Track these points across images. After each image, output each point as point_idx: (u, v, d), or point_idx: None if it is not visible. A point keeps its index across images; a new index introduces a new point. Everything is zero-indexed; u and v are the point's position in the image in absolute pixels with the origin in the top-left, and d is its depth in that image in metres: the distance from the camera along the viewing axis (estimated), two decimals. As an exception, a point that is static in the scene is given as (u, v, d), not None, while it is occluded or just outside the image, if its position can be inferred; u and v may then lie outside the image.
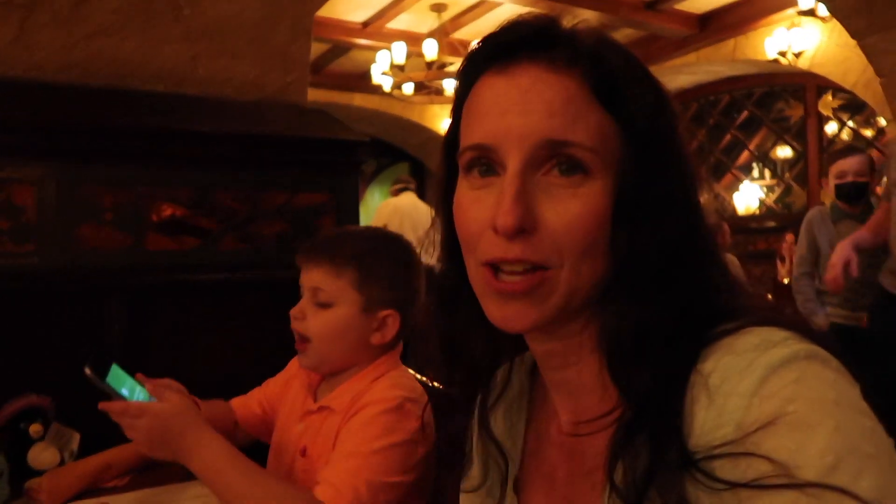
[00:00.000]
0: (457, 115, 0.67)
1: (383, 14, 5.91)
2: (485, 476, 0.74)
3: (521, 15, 0.63)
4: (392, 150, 9.10)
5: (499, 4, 5.58)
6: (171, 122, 1.60)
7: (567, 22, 0.62)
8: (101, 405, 1.03)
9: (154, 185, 1.56)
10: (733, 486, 0.49)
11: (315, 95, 1.77)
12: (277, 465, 1.22)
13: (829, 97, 6.26)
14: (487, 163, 0.61)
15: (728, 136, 7.07)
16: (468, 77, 0.64)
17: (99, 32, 1.63)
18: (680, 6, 5.92)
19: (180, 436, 1.01)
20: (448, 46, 5.80)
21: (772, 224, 6.67)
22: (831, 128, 6.31)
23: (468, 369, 0.72)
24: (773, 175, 6.85)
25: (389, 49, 5.80)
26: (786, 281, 4.72)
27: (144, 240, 1.55)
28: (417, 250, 1.21)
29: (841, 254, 2.42)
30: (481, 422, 0.73)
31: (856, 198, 2.84)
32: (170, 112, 1.64)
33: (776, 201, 6.83)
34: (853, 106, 6.01)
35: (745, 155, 6.99)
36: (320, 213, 1.73)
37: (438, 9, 5.86)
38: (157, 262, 1.57)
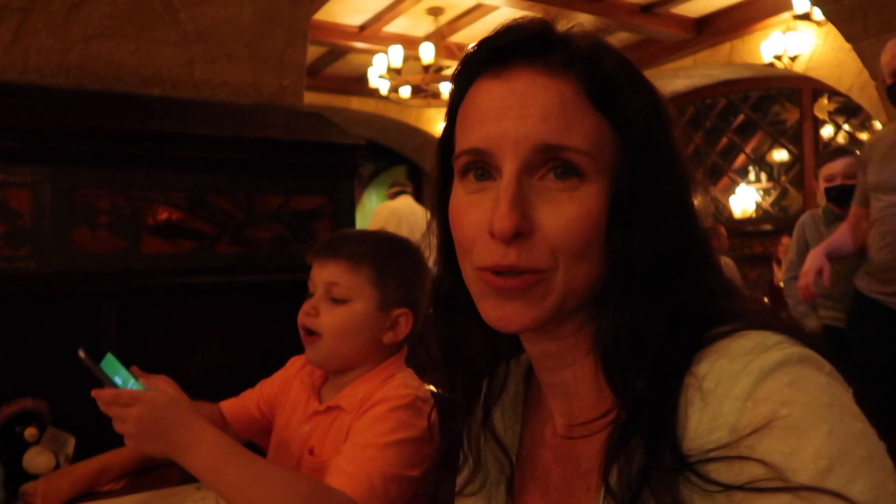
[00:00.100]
0: (451, 118, 0.67)
1: (380, 18, 5.92)
2: (484, 479, 0.74)
3: (515, 19, 0.63)
4: (389, 153, 9.10)
5: (495, 8, 5.60)
6: (167, 126, 1.60)
7: (562, 26, 0.63)
8: (94, 392, 0.98)
9: (150, 188, 1.56)
10: (727, 488, 0.49)
11: (312, 99, 1.78)
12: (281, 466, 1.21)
13: (825, 101, 6.28)
14: (483, 167, 0.61)
15: (724, 140, 7.10)
16: (463, 81, 0.64)
17: (95, 36, 1.63)
18: (676, 10, 5.95)
19: (174, 427, 0.94)
20: (445, 50, 5.81)
21: (768, 227, 6.69)
22: (827, 131, 6.33)
23: (468, 371, 0.72)
24: (770, 178, 6.87)
25: (386, 52, 5.81)
26: (782, 284, 4.73)
27: (140, 243, 1.55)
28: None
29: (813, 261, 2.42)
30: (484, 423, 0.73)
31: (845, 200, 2.81)
32: (166, 115, 1.64)
33: (772, 204, 6.85)
34: (849, 109, 6.04)
35: (741, 158, 7.01)
36: (316, 217, 1.73)
37: (435, 12, 5.87)
38: (152, 265, 1.57)
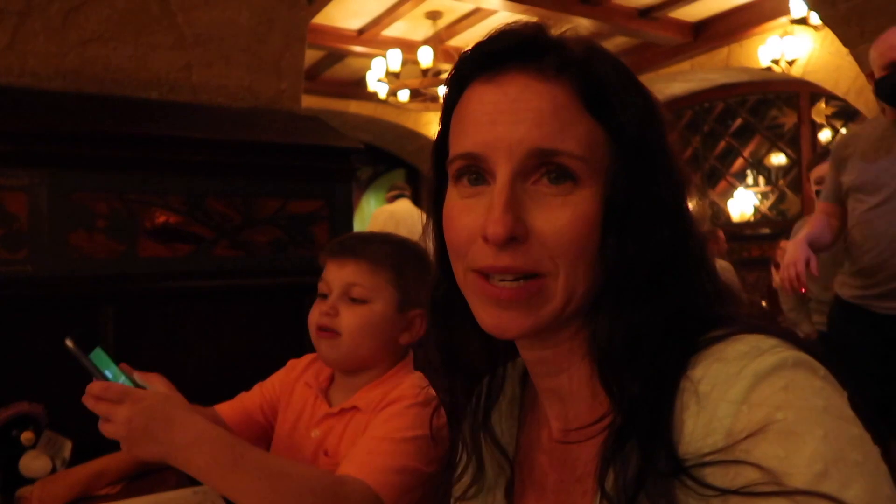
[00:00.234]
0: (446, 122, 0.67)
1: (378, 21, 5.93)
2: (482, 483, 0.73)
3: (509, 24, 0.63)
4: (387, 156, 9.10)
5: (493, 12, 5.61)
6: (165, 130, 1.60)
7: (557, 30, 0.63)
8: (88, 388, 0.91)
9: (147, 192, 1.56)
10: (723, 492, 0.49)
11: (310, 102, 1.78)
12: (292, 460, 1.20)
13: (823, 105, 6.30)
14: (477, 171, 0.61)
15: (722, 144, 7.10)
16: (457, 85, 0.65)
17: (92, 40, 1.63)
18: (674, 14, 5.96)
19: (169, 426, 0.86)
20: (443, 54, 5.82)
21: (766, 231, 6.69)
22: (825, 135, 6.34)
23: (465, 375, 0.72)
24: (768, 182, 6.88)
25: (385, 56, 5.82)
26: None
27: (137, 247, 1.55)
28: None
29: (798, 251, 2.24)
30: (484, 426, 0.73)
31: None
32: (163, 119, 1.65)
33: (770, 208, 6.86)
34: (846, 113, 6.05)
35: (739, 162, 7.02)
36: (314, 221, 1.73)
37: (433, 16, 5.88)
38: (150, 269, 1.57)
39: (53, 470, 1.30)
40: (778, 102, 6.66)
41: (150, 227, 1.56)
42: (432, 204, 0.69)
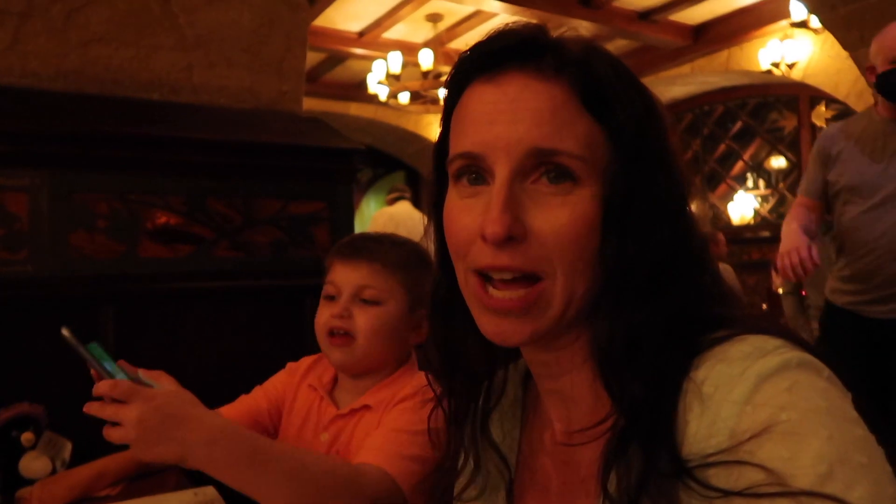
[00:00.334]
0: (446, 123, 0.67)
1: (379, 24, 5.94)
2: (483, 485, 0.73)
3: (508, 24, 0.63)
4: (387, 159, 9.10)
5: (494, 15, 5.61)
6: (166, 130, 1.60)
7: (556, 32, 0.63)
8: (98, 386, 0.84)
9: (148, 192, 1.56)
10: (727, 494, 0.49)
11: (311, 104, 1.78)
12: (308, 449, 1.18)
13: (823, 108, 6.30)
14: (476, 171, 0.61)
15: (722, 147, 7.11)
16: (457, 86, 0.65)
17: (93, 40, 1.63)
18: (674, 17, 5.96)
19: (184, 424, 0.80)
20: (443, 56, 5.82)
21: (766, 234, 6.69)
22: (825, 138, 6.34)
23: (465, 376, 0.72)
24: (768, 185, 6.88)
25: (385, 59, 5.82)
26: (780, 290, 4.73)
27: (138, 247, 1.55)
28: None
29: (800, 238, 2.11)
30: (482, 430, 0.73)
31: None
32: (164, 120, 1.65)
33: (770, 211, 6.86)
34: (846, 117, 6.04)
35: (739, 165, 7.03)
36: (315, 222, 1.73)
37: (434, 19, 5.89)
38: (150, 269, 1.56)
39: (53, 471, 1.30)
40: (778, 105, 6.67)
41: (151, 228, 1.56)
42: (433, 205, 0.69)
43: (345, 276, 1.13)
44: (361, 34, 6.18)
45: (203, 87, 1.75)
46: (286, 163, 1.71)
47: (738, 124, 6.97)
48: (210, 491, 1.19)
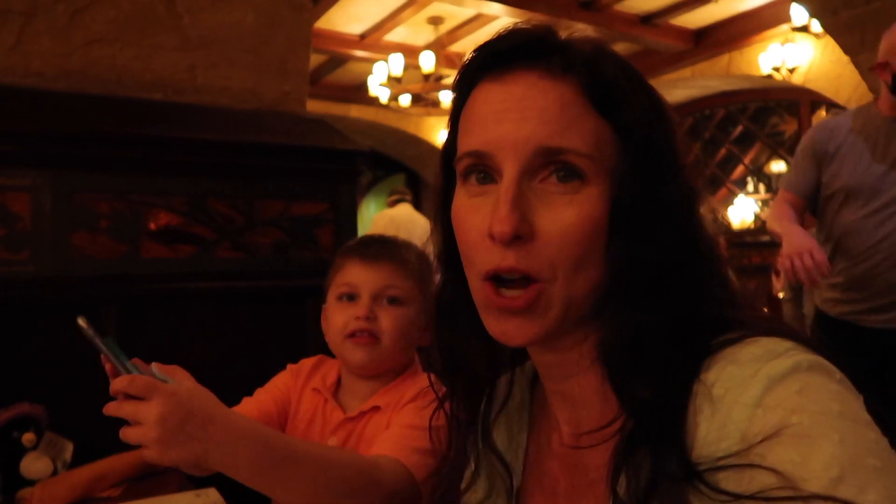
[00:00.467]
0: (454, 123, 0.67)
1: (381, 26, 5.95)
2: (490, 489, 0.73)
3: (516, 24, 0.63)
4: (388, 161, 9.11)
5: (495, 18, 5.62)
6: (168, 131, 1.60)
7: (565, 33, 0.63)
8: (111, 388, 0.77)
9: (150, 193, 1.56)
10: (737, 497, 0.48)
11: (312, 106, 1.78)
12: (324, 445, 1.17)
13: (823, 112, 6.31)
14: (484, 170, 0.61)
15: (723, 151, 7.12)
16: (465, 85, 0.65)
17: (97, 40, 1.63)
18: (675, 21, 5.98)
19: (208, 422, 0.74)
20: (445, 59, 5.83)
21: (766, 238, 6.68)
22: (825, 143, 6.34)
23: (469, 379, 0.72)
24: (768, 189, 6.88)
25: (386, 61, 5.83)
26: (780, 295, 4.73)
27: (140, 248, 1.55)
28: None
29: (807, 240, 1.95)
30: (484, 435, 0.72)
31: None
32: (167, 120, 1.64)
33: (770, 215, 6.86)
34: (846, 121, 6.05)
35: (739, 169, 7.03)
36: (318, 223, 1.73)
37: (435, 22, 5.90)
38: (152, 270, 1.56)
39: (54, 472, 1.29)
40: (779, 110, 6.67)
41: (153, 229, 1.56)
42: (440, 207, 0.69)
43: (365, 277, 1.11)
44: (363, 36, 6.19)
45: (206, 87, 1.75)
46: (289, 163, 1.71)
47: (739, 128, 6.98)
48: (212, 493, 1.19)
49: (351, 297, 1.12)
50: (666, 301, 0.57)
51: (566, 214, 0.57)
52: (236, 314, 1.65)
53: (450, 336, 0.71)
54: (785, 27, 5.48)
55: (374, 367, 1.12)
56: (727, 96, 6.89)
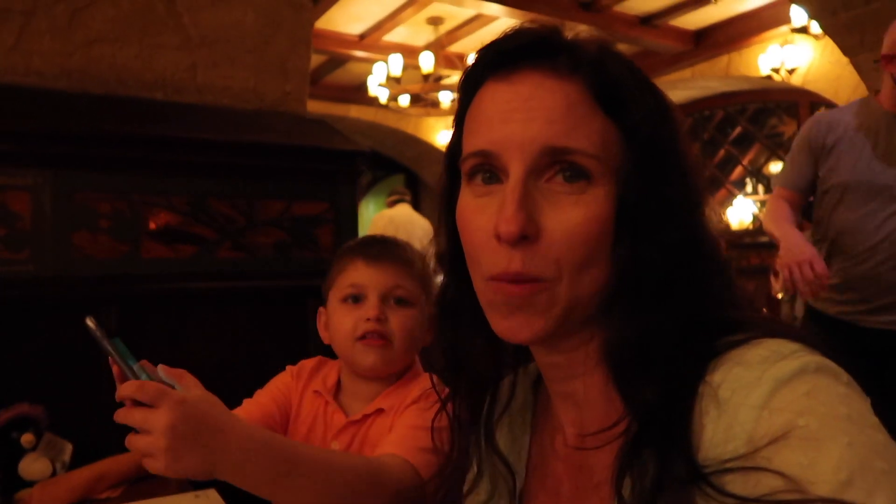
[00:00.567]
0: (459, 123, 0.67)
1: (380, 27, 5.94)
2: (492, 491, 0.73)
3: (523, 23, 0.63)
4: (387, 162, 9.11)
5: (495, 18, 5.62)
6: (169, 130, 1.60)
7: (569, 34, 0.63)
8: (117, 394, 0.75)
9: (151, 192, 1.56)
10: (744, 501, 0.48)
11: (312, 107, 1.78)
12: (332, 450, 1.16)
13: (822, 114, 6.31)
14: (490, 170, 0.61)
15: (722, 152, 7.12)
16: (471, 85, 0.64)
17: (97, 40, 1.63)
18: (674, 22, 5.98)
19: (219, 430, 0.72)
20: (444, 59, 5.83)
21: (765, 239, 6.69)
22: (824, 144, 6.35)
23: (471, 380, 0.71)
24: (767, 190, 6.88)
25: (386, 61, 5.83)
26: (780, 296, 4.74)
27: (141, 248, 1.54)
28: None
29: (808, 248, 1.89)
30: (487, 436, 0.72)
31: None
32: (167, 120, 1.64)
33: (769, 216, 6.86)
34: (845, 122, 6.06)
35: (738, 170, 7.04)
36: (318, 223, 1.73)
37: (435, 22, 5.90)
38: (153, 270, 1.56)
39: (53, 473, 1.29)
40: (778, 111, 6.68)
41: (154, 228, 1.55)
42: (444, 207, 0.69)
43: (372, 278, 1.10)
44: (362, 37, 6.18)
45: (207, 87, 1.75)
46: (290, 164, 1.70)
47: (738, 129, 6.98)
48: (212, 494, 1.18)
49: (357, 299, 1.10)
50: (671, 302, 0.57)
51: (572, 215, 0.57)
52: (237, 314, 1.65)
53: (453, 336, 0.71)
54: (784, 28, 5.49)
55: (384, 369, 1.10)
56: (726, 97, 6.90)
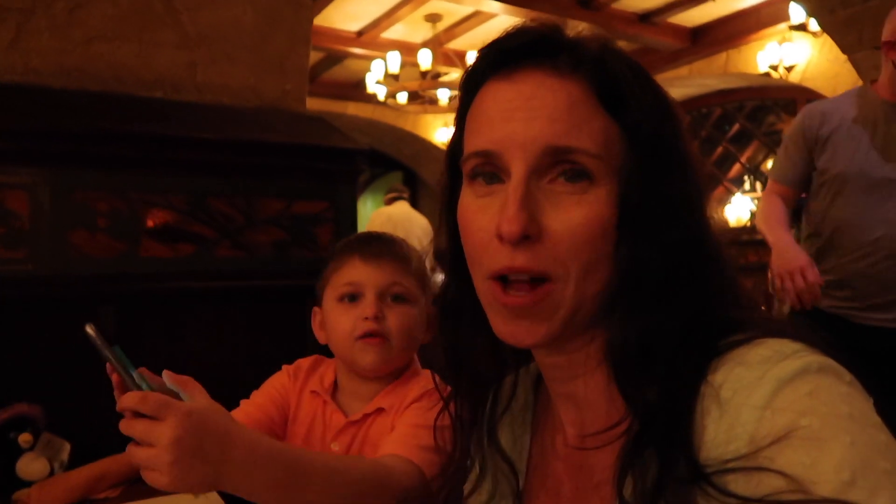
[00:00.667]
0: (461, 122, 0.66)
1: (378, 24, 5.93)
2: (493, 490, 0.73)
3: (524, 22, 0.63)
4: (385, 159, 9.10)
5: (493, 16, 5.61)
6: (168, 129, 1.59)
7: (571, 32, 0.63)
8: (119, 405, 0.71)
9: (149, 191, 1.55)
10: (746, 501, 0.48)
11: (309, 104, 1.78)
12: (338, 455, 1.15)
13: (820, 111, 6.31)
14: (492, 170, 0.60)
15: (720, 149, 7.12)
16: (472, 84, 0.64)
17: (96, 38, 1.62)
18: (673, 20, 5.98)
19: (225, 442, 0.69)
20: (442, 56, 5.83)
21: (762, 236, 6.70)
22: (822, 142, 6.36)
23: (472, 379, 0.71)
24: (765, 188, 6.89)
25: (384, 58, 5.82)
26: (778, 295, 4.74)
27: (139, 246, 1.54)
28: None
29: (803, 257, 1.86)
30: (489, 435, 0.72)
31: None
32: (166, 118, 1.63)
33: (767, 214, 6.87)
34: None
35: (736, 168, 7.04)
36: (318, 222, 1.72)
37: (433, 19, 5.89)
38: (151, 269, 1.55)
39: (51, 473, 1.28)
40: (776, 108, 6.68)
41: (152, 227, 1.55)
42: (446, 207, 0.68)
43: (368, 275, 1.08)
44: (360, 34, 6.17)
45: (206, 85, 1.74)
46: (289, 162, 1.70)
47: (736, 127, 6.98)
48: (212, 494, 1.18)
49: (353, 298, 1.09)
50: (673, 302, 0.57)
51: (575, 214, 0.57)
52: (236, 313, 1.64)
53: (454, 336, 0.71)
54: (782, 26, 5.49)
55: (384, 368, 1.09)
56: (724, 95, 6.90)
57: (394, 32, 6.13)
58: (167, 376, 0.76)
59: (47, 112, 1.50)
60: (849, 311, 1.97)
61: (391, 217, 5.49)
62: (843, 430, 0.47)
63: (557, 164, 0.58)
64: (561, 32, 0.62)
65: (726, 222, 7.04)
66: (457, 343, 0.70)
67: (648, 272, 0.57)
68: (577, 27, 0.63)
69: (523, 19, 0.66)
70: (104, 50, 1.63)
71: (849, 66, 3.11)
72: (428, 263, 1.14)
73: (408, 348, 1.11)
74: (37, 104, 1.51)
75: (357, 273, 1.09)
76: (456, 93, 0.82)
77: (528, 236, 0.57)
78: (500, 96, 0.60)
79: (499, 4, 5.23)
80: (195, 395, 0.74)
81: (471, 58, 0.65)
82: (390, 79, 5.84)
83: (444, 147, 0.71)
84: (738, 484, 0.49)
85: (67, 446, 1.33)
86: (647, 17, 5.86)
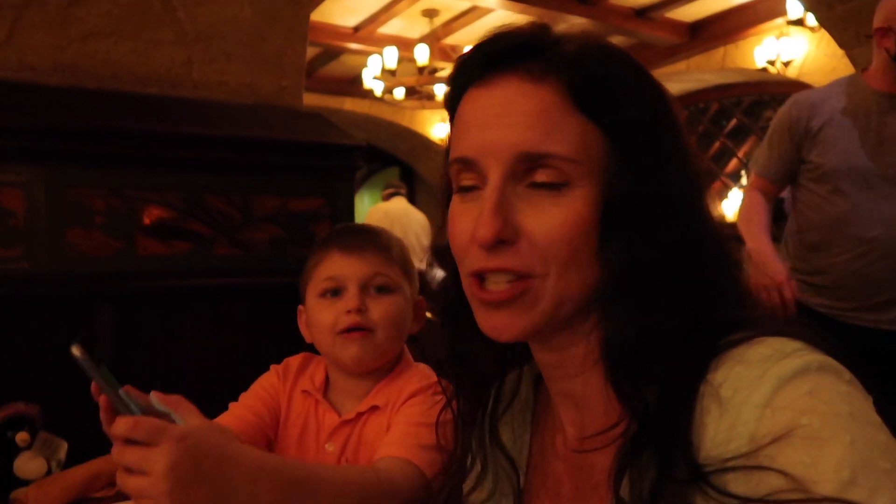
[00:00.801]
0: (451, 127, 0.68)
1: (375, 19, 5.92)
2: (494, 488, 0.73)
3: (506, 25, 0.63)
4: (382, 155, 9.09)
5: (490, 10, 5.60)
6: (164, 126, 1.59)
7: (559, 29, 0.62)
8: (113, 429, 0.67)
9: (146, 188, 1.54)
10: (746, 501, 0.48)
11: (306, 99, 1.78)
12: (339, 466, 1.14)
13: (817, 107, 6.32)
14: (472, 175, 0.61)
15: (717, 144, 7.13)
16: (457, 89, 0.65)
17: (92, 34, 1.61)
18: (670, 15, 5.98)
19: (223, 463, 0.67)
20: (439, 52, 5.81)
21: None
22: (819, 137, 6.36)
23: (473, 377, 0.71)
24: (762, 183, 6.90)
25: (381, 54, 5.81)
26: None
27: (135, 244, 1.53)
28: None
29: (781, 270, 1.85)
30: (491, 433, 0.72)
31: None
32: (163, 115, 1.63)
33: (764, 209, 6.88)
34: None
35: (733, 162, 7.05)
36: (315, 219, 1.72)
37: (430, 14, 5.88)
38: (148, 266, 1.55)
39: (49, 472, 1.28)
40: (773, 104, 6.68)
41: (149, 225, 1.54)
42: (445, 205, 0.69)
43: (349, 268, 1.05)
44: (357, 29, 6.16)
45: (203, 82, 1.73)
46: (286, 159, 1.69)
47: (733, 122, 6.99)
48: None
49: (336, 292, 1.06)
50: (670, 301, 0.57)
51: (552, 214, 0.58)
52: (233, 311, 1.64)
53: (454, 335, 0.71)
54: (780, 21, 5.49)
55: (369, 362, 1.05)
56: (721, 90, 6.91)
57: (391, 28, 6.12)
58: (156, 397, 0.73)
59: (43, 109, 1.49)
60: (838, 312, 1.92)
61: (388, 213, 5.49)
62: (844, 429, 0.47)
63: (533, 169, 0.58)
64: (540, 35, 0.61)
65: (723, 217, 7.06)
66: (457, 342, 0.71)
67: (643, 270, 0.57)
68: (574, 23, 0.63)
69: (520, 14, 0.66)
70: (100, 47, 1.62)
71: (846, 61, 3.10)
72: (427, 261, 1.14)
73: (395, 339, 1.07)
74: (32, 101, 1.50)
75: (337, 266, 1.06)
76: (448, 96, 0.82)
77: (504, 241, 0.58)
78: (478, 104, 0.61)
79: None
80: (187, 416, 0.71)
81: (454, 68, 0.66)
82: (387, 74, 5.83)
83: (441, 142, 0.71)
84: (738, 483, 0.49)
85: (65, 445, 1.33)
86: (644, 12, 5.85)
